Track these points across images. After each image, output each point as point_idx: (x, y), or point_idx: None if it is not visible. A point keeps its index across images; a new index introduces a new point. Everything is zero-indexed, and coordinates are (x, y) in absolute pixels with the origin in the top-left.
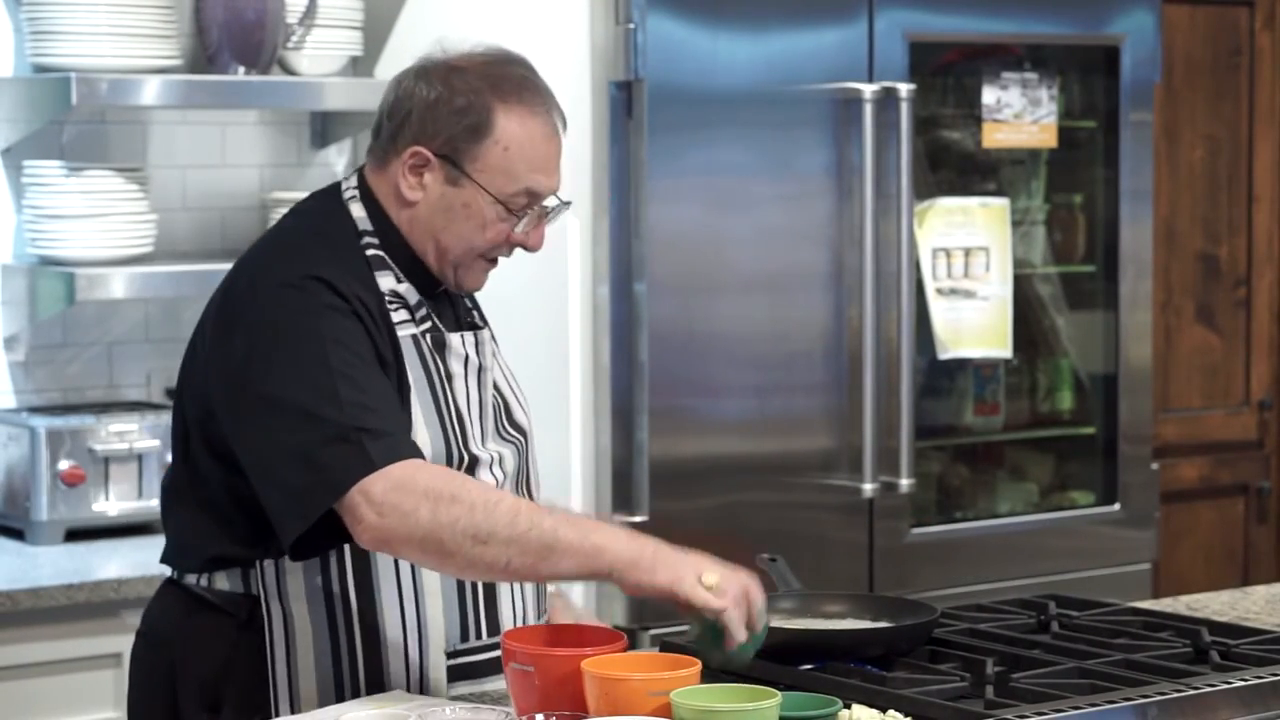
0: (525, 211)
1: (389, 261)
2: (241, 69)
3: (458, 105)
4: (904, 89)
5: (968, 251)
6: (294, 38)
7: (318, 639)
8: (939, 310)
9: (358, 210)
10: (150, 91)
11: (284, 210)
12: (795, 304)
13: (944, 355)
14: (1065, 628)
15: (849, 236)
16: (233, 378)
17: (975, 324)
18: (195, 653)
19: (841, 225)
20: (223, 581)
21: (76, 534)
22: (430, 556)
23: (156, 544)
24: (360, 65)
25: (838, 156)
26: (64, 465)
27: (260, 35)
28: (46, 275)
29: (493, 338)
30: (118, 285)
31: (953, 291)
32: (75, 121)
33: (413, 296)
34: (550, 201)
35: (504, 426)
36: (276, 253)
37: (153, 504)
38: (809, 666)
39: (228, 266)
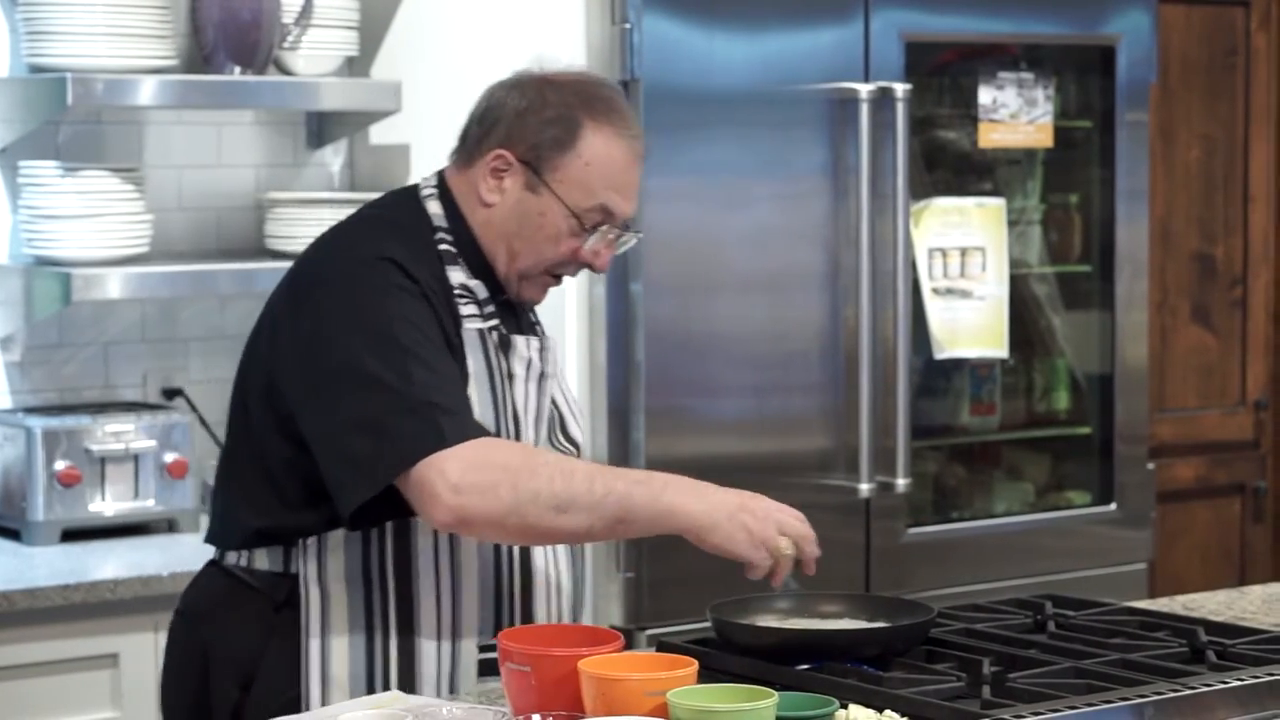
0: (596, 229)
1: (459, 258)
2: (237, 69)
3: (547, 115)
4: (900, 89)
5: (964, 251)
6: (290, 38)
7: (353, 621)
8: (935, 310)
9: (434, 207)
10: (146, 92)
11: (280, 210)
12: (792, 304)
13: (940, 355)
14: (1062, 627)
15: (845, 236)
16: (303, 351)
17: (971, 324)
18: (231, 632)
19: (838, 225)
20: (263, 560)
21: (73, 534)
22: (510, 531)
23: (153, 544)
24: (356, 65)
25: (834, 156)
26: (60, 465)
27: (256, 35)
28: (42, 275)
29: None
30: (114, 285)
31: (949, 291)
32: (71, 122)
33: (482, 292)
34: (622, 226)
35: (558, 436)
36: (349, 235)
37: (149, 504)
38: (806, 666)
39: (224, 267)
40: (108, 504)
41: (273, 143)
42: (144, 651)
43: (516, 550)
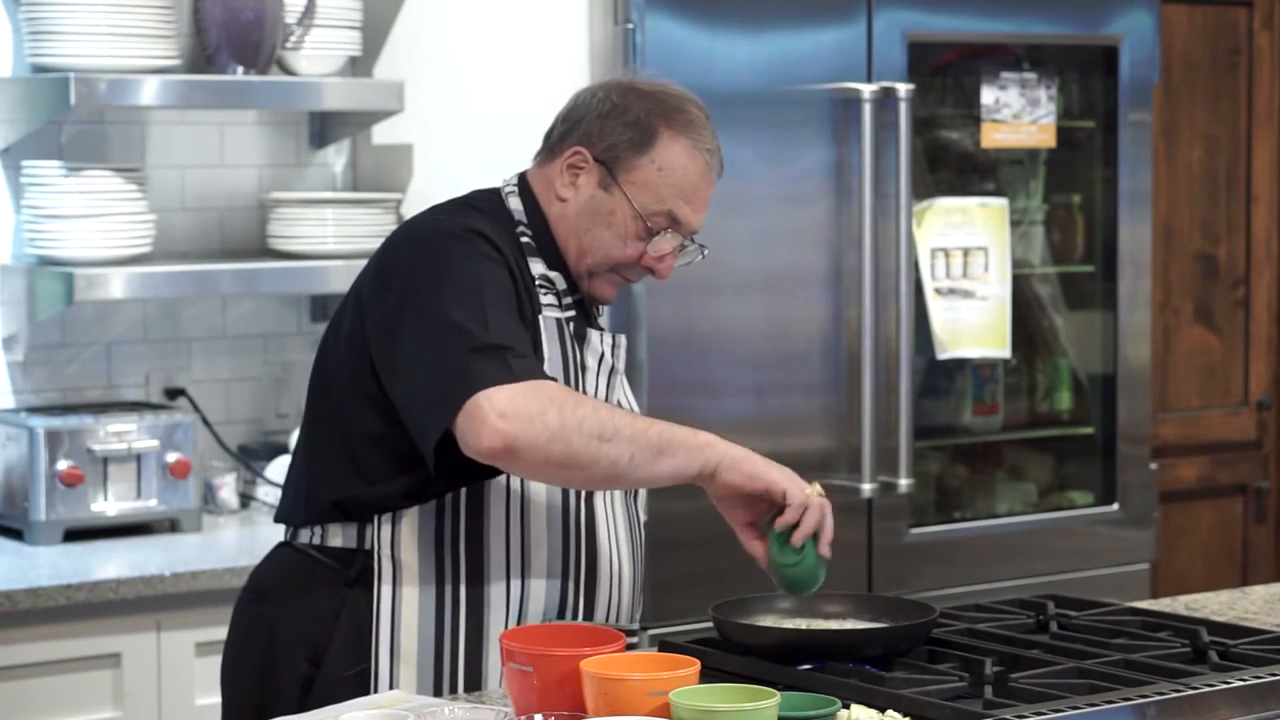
0: (661, 234)
1: (539, 251)
2: (240, 69)
3: (629, 119)
4: (903, 89)
5: (966, 251)
6: (292, 38)
7: (424, 595)
8: (938, 310)
9: (515, 203)
10: (149, 91)
11: (283, 210)
12: (794, 304)
13: (943, 355)
14: (1064, 628)
15: (848, 236)
16: (390, 309)
17: (974, 324)
18: (301, 610)
19: (840, 225)
20: (336, 536)
21: (75, 534)
22: (553, 461)
23: (156, 544)
24: (359, 65)
25: (836, 156)
26: (63, 465)
27: (259, 35)
28: (45, 275)
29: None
30: (116, 285)
31: (951, 291)
32: (74, 121)
33: (561, 284)
34: (687, 237)
35: None
36: (436, 214)
37: (151, 504)
38: (808, 666)
39: (227, 266)
40: (110, 504)
41: (275, 143)
42: (146, 651)
43: (584, 535)
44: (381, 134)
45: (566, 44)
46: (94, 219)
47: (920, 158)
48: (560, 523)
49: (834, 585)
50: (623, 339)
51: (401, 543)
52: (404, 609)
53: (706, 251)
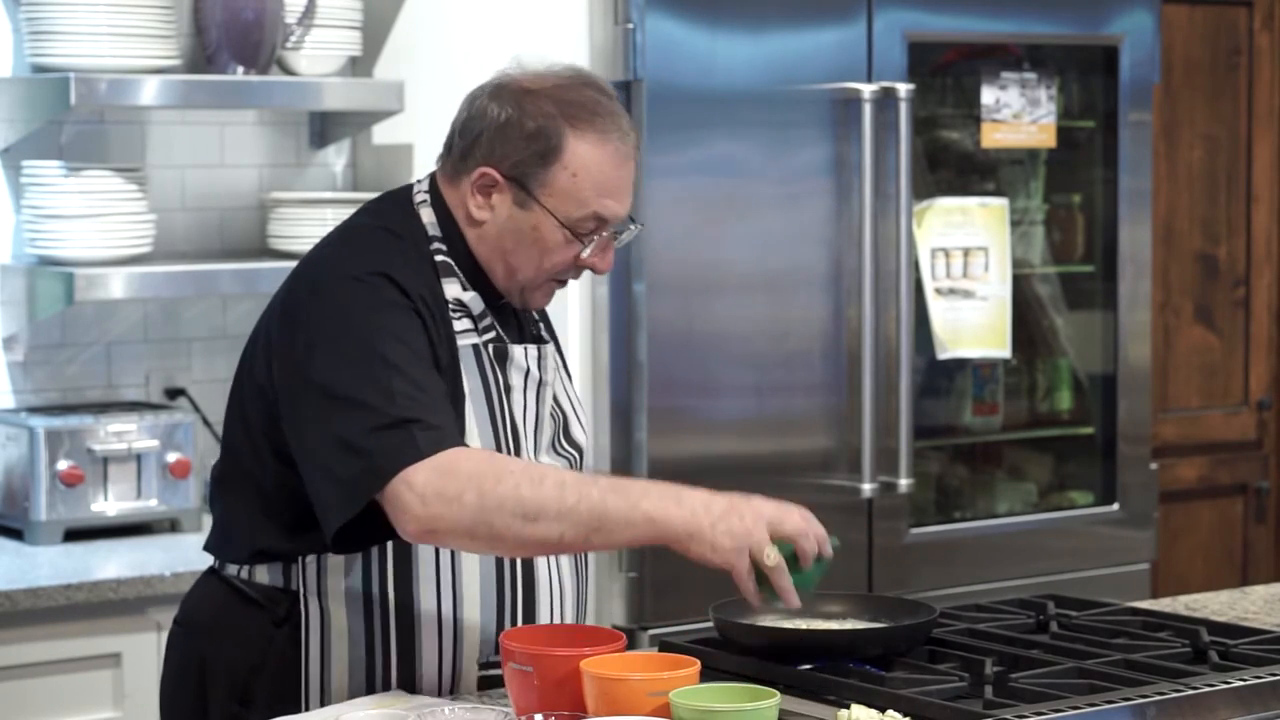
0: (593, 236)
1: (456, 269)
2: (240, 69)
3: (528, 129)
4: (903, 89)
5: (966, 251)
6: (293, 38)
7: (353, 639)
8: (938, 310)
9: (428, 215)
10: (149, 91)
11: (283, 210)
12: (794, 304)
13: (943, 355)
14: (1064, 628)
15: (848, 236)
16: (292, 367)
17: (974, 324)
18: (230, 645)
19: (840, 225)
20: (263, 575)
21: (75, 534)
22: (479, 541)
23: (156, 544)
24: (359, 65)
25: (836, 156)
26: (63, 465)
27: (259, 35)
28: (45, 275)
29: (558, 351)
30: (116, 285)
31: (951, 291)
32: (74, 121)
33: (477, 306)
34: (619, 225)
35: (560, 441)
36: (345, 248)
37: (151, 504)
38: (808, 666)
39: (227, 266)
40: (110, 504)
41: (275, 143)
42: (146, 651)
43: (519, 561)
44: (382, 134)
45: (566, 44)
46: (94, 219)
47: (920, 158)
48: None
49: (834, 585)
50: (549, 348)
51: (328, 588)
52: (333, 653)
53: (642, 226)
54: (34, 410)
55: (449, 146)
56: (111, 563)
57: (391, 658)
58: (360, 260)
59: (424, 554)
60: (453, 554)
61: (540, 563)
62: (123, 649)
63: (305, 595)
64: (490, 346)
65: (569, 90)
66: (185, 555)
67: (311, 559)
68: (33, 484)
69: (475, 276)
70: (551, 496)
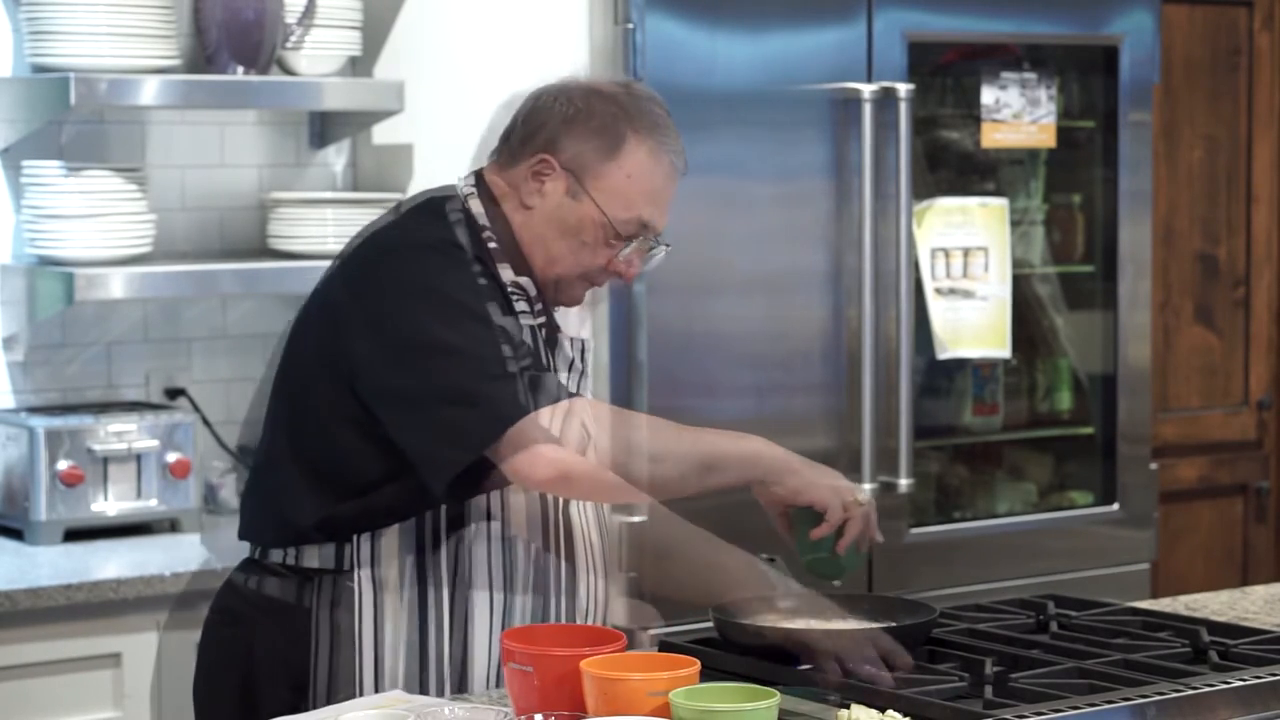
0: (631, 240)
1: (506, 256)
2: (240, 69)
3: (594, 125)
4: (903, 89)
5: (966, 251)
6: (293, 38)
7: (408, 610)
8: (938, 310)
9: (476, 206)
10: (149, 91)
11: (283, 210)
12: (794, 304)
13: (943, 355)
14: (1064, 628)
15: (848, 236)
16: (374, 328)
17: (974, 324)
18: (278, 632)
19: (840, 225)
20: (313, 558)
21: (75, 534)
22: (610, 486)
23: (156, 544)
24: (359, 65)
25: (836, 156)
26: (63, 465)
27: (259, 35)
28: (45, 275)
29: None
30: (116, 285)
31: (951, 291)
32: (74, 121)
33: (531, 289)
34: (654, 240)
35: None
36: (408, 224)
37: (151, 504)
38: (808, 666)
39: (227, 267)
40: (110, 504)
41: (275, 143)
42: (146, 651)
43: (563, 541)
44: (382, 134)
45: (566, 44)
46: (94, 219)
47: (920, 158)
48: (540, 531)
49: (834, 585)
50: (590, 342)
51: (382, 560)
52: (387, 627)
53: (669, 248)
54: (34, 410)
55: (507, 136)
56: (111, 563)
57: (445, 635)
58: (429, 232)
59: (476, 524)
60: (504, 524)
61: (579, 539)
62: (123, 649)
63: (359, 573)
64: (543, 330)
65: (637, 100)
66: (185, 555)
67: (366, 536)
68: (33, 484)
69: (521, 267)
70: (671, 438)
